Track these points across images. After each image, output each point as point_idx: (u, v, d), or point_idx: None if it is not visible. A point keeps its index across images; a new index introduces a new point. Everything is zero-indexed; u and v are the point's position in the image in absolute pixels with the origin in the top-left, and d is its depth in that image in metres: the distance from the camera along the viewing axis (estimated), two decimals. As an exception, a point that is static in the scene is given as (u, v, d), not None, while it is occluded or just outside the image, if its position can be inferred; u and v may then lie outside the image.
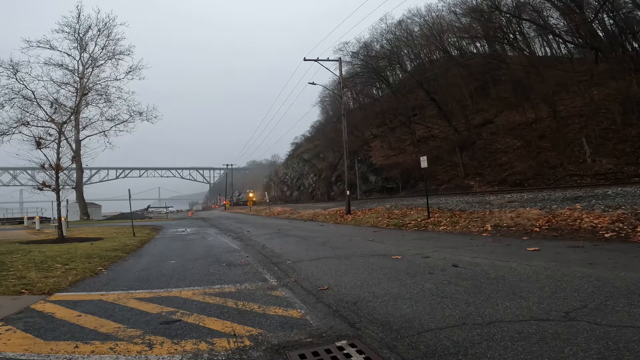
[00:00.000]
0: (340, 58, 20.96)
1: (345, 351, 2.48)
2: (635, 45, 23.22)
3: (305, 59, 18.57)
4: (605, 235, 6.33)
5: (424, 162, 12.63)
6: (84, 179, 42.46)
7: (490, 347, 2.26)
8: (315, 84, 20.73)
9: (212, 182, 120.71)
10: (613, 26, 23.53)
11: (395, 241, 8.15)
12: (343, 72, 21.34)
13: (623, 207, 7.25)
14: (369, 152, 39.04)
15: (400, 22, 37.95)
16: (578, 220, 7.31)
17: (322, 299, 3.76)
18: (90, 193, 62.62)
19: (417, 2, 76.14)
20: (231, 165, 71.36)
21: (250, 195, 57.44)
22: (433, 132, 33.14)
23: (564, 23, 25.84)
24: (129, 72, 33.49)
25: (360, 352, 2.44)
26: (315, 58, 18.51)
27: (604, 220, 6.88)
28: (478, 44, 34.40)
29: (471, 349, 2.26)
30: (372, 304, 3.43)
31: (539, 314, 2.78)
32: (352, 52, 38.99)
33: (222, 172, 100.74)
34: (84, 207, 35.75)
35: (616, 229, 6.44)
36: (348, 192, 17.75)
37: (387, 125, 38.97)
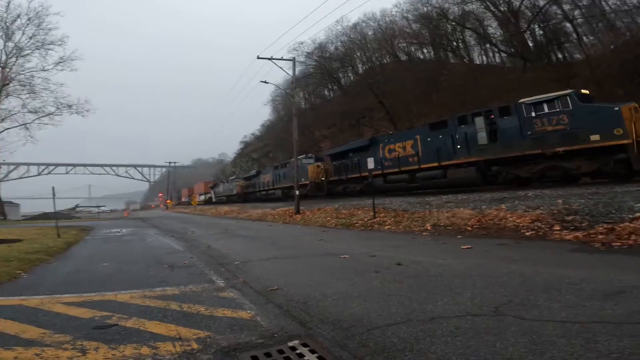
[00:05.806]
0: (294, 58, 20.85)
1: (298, 351, 2.49)
2: (560, 55, 25.66)
3: (258, 57, 18.16)
4: (527, 233, 6.88)
5: (370, 164, 13.15)
6: (1, 176, 37.65)
7: (433, 343, 2.38)
8: (267, 83, 20.42)
9: (152, 180, 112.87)
10: (542, 37, 25.86)
11: (343, 241, 8.34)
12: (297, 72, 21.30)
13: (541, 208, 7.86)
14: (319, 152, 39.44)
15: (355, 25, 39.08)
16: (503, 220, 7.85)
17: (272, 300, 3.73)
18: (8, 190, 55.42)
19: (373, 6, 78.37)
20: (174, 162, 68.06)
21: None
22: (380, 134, 34.47)
23: (500, 33, 28.30)
24: (59, 62, 30.50)
25: (312, 351, 2.46)
26: (270, 56, 18.23)
27: (525, 220, 7.45)
28: (425, 50, 36.50)
29: (416, 345, 2.37)
30: (323, 303, 3.48)
31: (473, 310, 2.96)
32: (307, 53, 39.20)
33: (164, 169, 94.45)
34: (0, 206, 31.98)
35: (535, 227, 7.01)
36: (297, 192, 17.74)
37: (336, 127, 39.71)
